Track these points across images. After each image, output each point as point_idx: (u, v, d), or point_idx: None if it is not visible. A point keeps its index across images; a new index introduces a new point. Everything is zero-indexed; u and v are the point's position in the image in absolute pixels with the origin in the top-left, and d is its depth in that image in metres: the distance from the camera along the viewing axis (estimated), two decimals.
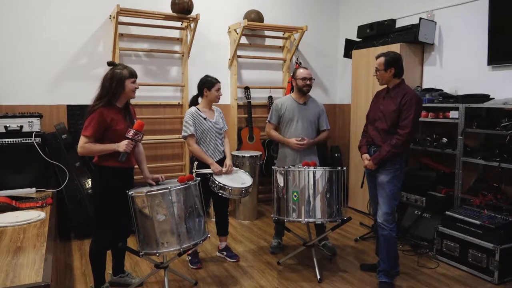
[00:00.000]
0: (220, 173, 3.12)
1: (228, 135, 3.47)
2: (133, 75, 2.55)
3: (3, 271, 1.86)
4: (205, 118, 3.19)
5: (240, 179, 3.19)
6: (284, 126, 3.45)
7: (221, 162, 3.22)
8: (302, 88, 3.38)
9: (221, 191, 3.04)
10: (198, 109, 3.21)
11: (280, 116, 3.45)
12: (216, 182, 3.04)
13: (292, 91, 3.53)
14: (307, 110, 3.43)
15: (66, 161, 3.72)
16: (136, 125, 2.53)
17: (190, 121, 3.14)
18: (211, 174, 3.10)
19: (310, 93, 3.49)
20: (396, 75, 2.87)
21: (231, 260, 3.36)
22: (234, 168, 3.31)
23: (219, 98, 3.27)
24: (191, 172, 3.20)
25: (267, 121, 3.55)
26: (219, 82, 3.25)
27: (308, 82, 3.37)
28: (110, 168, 2.52)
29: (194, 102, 3.34)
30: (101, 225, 2.59)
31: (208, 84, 3.20)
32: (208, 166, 3.13)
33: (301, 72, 3.40)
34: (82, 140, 2.45)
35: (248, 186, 3.12)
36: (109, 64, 2.59)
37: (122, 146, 2.47)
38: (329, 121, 3.57)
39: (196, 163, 3.21)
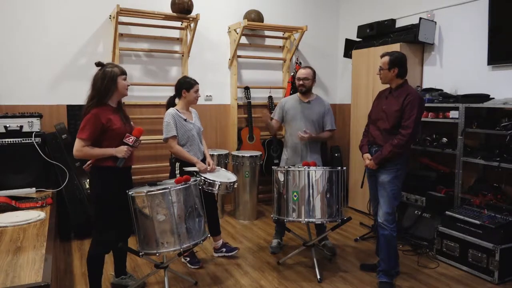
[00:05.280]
0: (205, 171, 3.16)
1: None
2: (123, 72, 2.54)
3: (3, 271, 1.86)
4: (185, 120, 3.18)
5: (225, 176, 3.26)
6: (288, 124, 3.52)
7: (202, 162, 3.24)
8: (297, 88, 3.45)
9: (210, 188, 3.08)
10: (178, 111, 3.19)
11: (283, 114, 3.53)
12: (205, 179, 3.06)
13: (292, 91, 3.57)
14: (310, 109, 3.44)
15: (66, 161, 3.71)
16: (136, 131, 2.52)
17: (171, 123, 3.11)
18: (197, 172, 3.13)
19: (315, 93, 3.55)
20: (400, 75, 2.87)
21: (232, 253, 3.38)
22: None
23: (197, 100, 3.26)
24: (174, 175, 3.19)
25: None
26: (198, 84, 3.23)
27: (301, 82, 3.40)
28: (108, 169, 2.50)
29: (171, 103, 3.29)
30: (101, 228, 2.53)
31: (186, 85, 3.18)
32: (190, 166, 3.15)
33: (298, 72, 3.48)
34: (78, 143, 2.40)
35: (234, 182, 3.19)
36: (97, 64, 2.54)
37: (121, 152, 2.46)
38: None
39: (178, 163, 3.19)
